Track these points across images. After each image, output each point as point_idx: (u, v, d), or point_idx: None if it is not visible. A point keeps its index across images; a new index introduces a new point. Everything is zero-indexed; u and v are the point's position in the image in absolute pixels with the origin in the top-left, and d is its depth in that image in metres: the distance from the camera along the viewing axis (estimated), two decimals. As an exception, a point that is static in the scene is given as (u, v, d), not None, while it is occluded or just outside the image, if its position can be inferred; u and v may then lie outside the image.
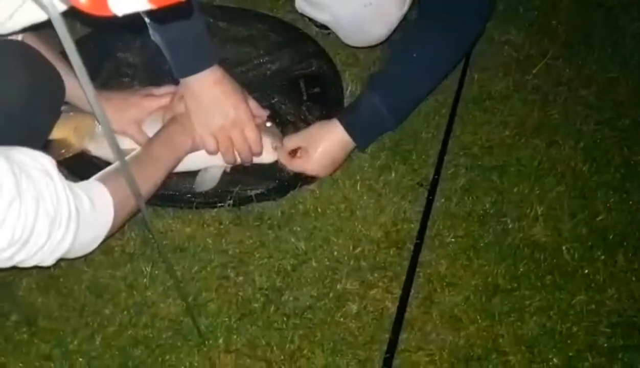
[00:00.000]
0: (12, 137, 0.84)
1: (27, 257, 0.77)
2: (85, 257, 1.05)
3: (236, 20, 1.37)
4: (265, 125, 1.16)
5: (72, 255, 0.87)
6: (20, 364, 0.97)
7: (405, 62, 1.14)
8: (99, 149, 1.13)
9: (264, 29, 1.36)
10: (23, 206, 0.72)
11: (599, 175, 1.23)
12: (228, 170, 1.17)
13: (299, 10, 1.32)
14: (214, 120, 1.08)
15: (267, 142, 1.15)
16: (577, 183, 1.22)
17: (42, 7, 0.47)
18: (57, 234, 0.78)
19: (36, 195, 0.74)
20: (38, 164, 0.77)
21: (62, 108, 1.05)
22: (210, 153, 1.10)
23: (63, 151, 1.10)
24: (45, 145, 1.06)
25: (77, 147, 1.12)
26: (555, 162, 1.25)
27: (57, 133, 1.09)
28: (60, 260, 0.84)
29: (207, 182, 1.15)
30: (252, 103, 1.14)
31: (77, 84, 1.02)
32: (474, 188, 1.20)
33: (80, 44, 1.32)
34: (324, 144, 1.13)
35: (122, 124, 1.10)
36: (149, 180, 1.01)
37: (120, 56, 1.31)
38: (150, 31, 1.03)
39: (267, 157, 1.16)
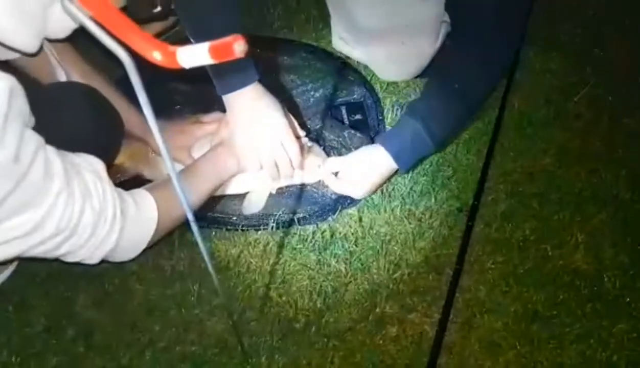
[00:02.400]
0: None
1: (73, 250, 0.84)
2: (137, 275, 1.12)
3: (282, 50, 1.43)
4: (307, 146, 1.20)
5: (117, 257, 0.93)
6: (77, 377, 1.03)
7: (442, 90, 1.16)
8: (152, 172, 1.19)
9: (308, 58, 1.41)
10: (71, 198, 0.78)
11: (641, 203, 1.23)
12: (274, 191, 1.21)
13: (335, 48, 1.36)
14: (255, 135, 1.11)
15: (311, 161, 1.19)
16: (619, 211, 1.22)
17: (116, 53, 0.52)
18: (102, 230, 0.84)
19: (84, 191, 0.80)
20: (89, 166, 0.84)
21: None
22: (254, 169, 1.14)
23: (119, 175, 1.17)
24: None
25: (133, 172, 1.19)
26: (597, 189, 1.25)
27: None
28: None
29: (254, 204, 1.20)
30: (292, 121, 1.17)
31: (133, 114, 1.11)
32: (514, 215, 1.21)
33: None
34: (366, 166, 1.16)
35: (172, 150, 1.16)
36: (191, 197, 1.05)
37: (171, 85, 1.38)
38: None
39: (311, 176, 1.20)
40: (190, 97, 1.36)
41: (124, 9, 0.97)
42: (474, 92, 1.18)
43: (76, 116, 0.92)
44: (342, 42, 1.35)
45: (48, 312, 1.09)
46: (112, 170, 1.17)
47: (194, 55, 0.52)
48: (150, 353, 1.05)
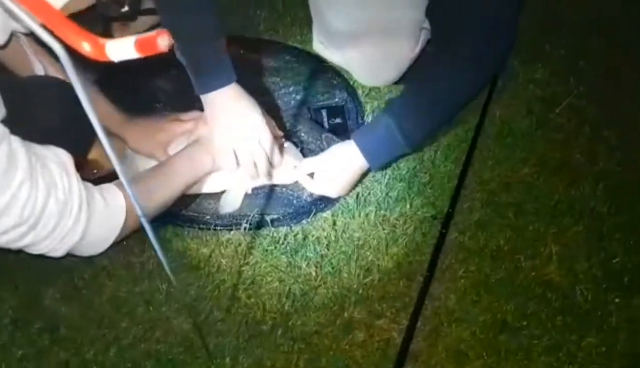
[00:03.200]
0: None
1: (37, 241, 0.84)
2: (107, 271, 1.12)
3: (266, 51, 1.44)
4: (284, 146, 1.20)
5: (84, 251, 0.93)
6: (41, 370, 1.02)
7: (420, 90, 1.16)
8: (128, 169, 1.19)
9: (292, 61, 1.42)
10: (34, 188, 0.79)
11: (618, 216, 1.22)
12: (249, 191, 1.21)
13: (315, 50, 1.36)
14: (232, 134, 1.12)
15: (287, 161, 1.19)
16: (595, 224, 1.21)
17: (51, 46, 0.53)
18: (67, 222, 0.84)
19: (49, 182, 0.81)
20: (56, 158, 0.84)
21: None
22: (230, 168, 1.14)
23: (95, 171, 1.17)
24: (78, 166, 1.14)
25: (108, 167, 1.19)
26: (574, 201, 1.24)
27: (89, 154, 1.16)
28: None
29: (230, 203, 1.20)
30: (269, 121, 1.17)
31: (110, 110, 1.12)
32: (488, 224, 1.20)
33: (120, 70, 1.42)
34: (339, 163, 1.17)
35: (150, 147, 1.17)
36: (164, 192, 1.06)
37: (156, 83, 1.38)
38: (176, 51, 1.08)
39: (287, 177, 1.20)
40: (172, 95, 1.36)
41: (92, 7, 0.97)
42: (453, 95, 1.18)
43: (48, 109, 0.92)
44: (322, 46, 1.35)
45: (16, 304, 1.09)
46: (88, 166, 1.17)
47: (122, 48, 0.53)
48: (115, 349, 1.04)
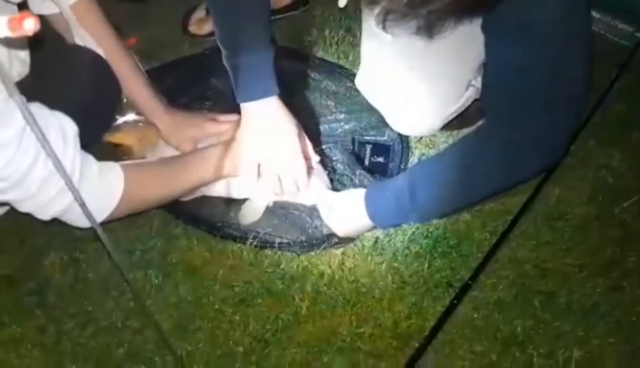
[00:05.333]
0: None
1: (19, 199, 0.84)
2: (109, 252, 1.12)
3: (330, 74, 1.41)
4: (312, 167, 1.16)
5: (72, 221, 0.92)
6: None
7: (450, 164, 1.07)
8: (155, 157, 1.20)
9: (352, 89, 1.37)
10: (21, 152, 0.78)
11: (661, 338, 1.07)
12: (271, 204, 1.18)
13: (357, 87, 1.31)
14: (263, 147, 1.09)
15: (313, 182, 1.15)
16: (632, 337, 1.07)
17: None
18: (52, 189, 0.84)
19: (40, 148, 0.80)
20: (58, 124, 0.84)
21: (133, 118, 1.17)
22: (250, 177, 1.11)
23: (125, 157, 1.19)
24: (112, 150, 1.18)
25: (139, 155, 1.21)
26: (614, 308, 1.10)
27: (124, 139, 1.19)
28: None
29: (251, 214, 1.17)
30: (306, 142, 1.14)
31: (146, 95, 1.13)
32: (509, 307, 1.09)
33: (183, 62, 1.44)
34: (348, 209, 1.12)
35: (179, 140, 1.17)
36: (168, 183, 1.05)
37: (212, 82, 1.39)
38: (223, 54, 1.08)
39: (309, 197, 1.16)
40: (225, 97, 1.35)
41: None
42: (480, 184, 1.08)
43: (73, 78, 0.94)
44: (363, 86, 1.30)
45: (17, 262, 1.12)
46: (120, 151, 1.20)
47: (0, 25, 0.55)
48: (92, 328, 1.05)
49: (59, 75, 0.93)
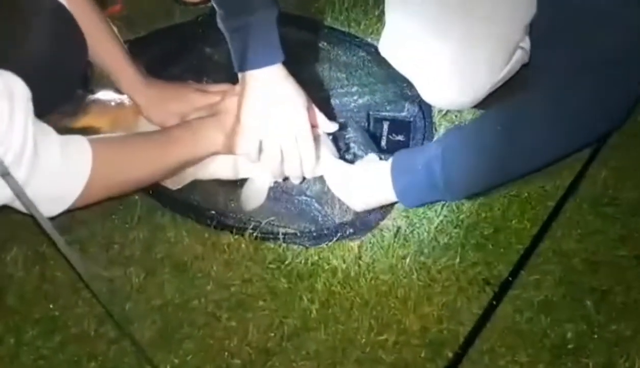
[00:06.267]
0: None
1: None
2: (81, 245, 0.97)
3: (340, 43, 1.25)
4: (319, 136, 1.03)
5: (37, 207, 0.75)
6: None
7: (491, 132, 0.95)
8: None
9: (366, 59, 1.22)
10: None
11: None
12: (272, 184, 1.04)
13: (382, 54, 1.17)
14: (267, 123, 0.97)
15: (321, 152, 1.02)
16: None
17: None
18: None
19: None
20: (5, 88, 0.68)
21: (107, 97, 1.04)
22: (248, 155, 0.98)
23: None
24: (79, 131, 1.02)
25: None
26: (680, 305, 0.95)
27: (92, 123, 1.04)
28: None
29: (255, 197, 1.03)
30: (314, 112, 1.02)
31: (126, 65, 0.98)
32: (557, 309, 0.94)
33: (175, 30, 1.29)
34: (366, 183, 1.00)
35: (162, 116, 1.03)
36: (149, 162, 0.92)
37: (207, 51, 1.23)
38: (217, 17, 0.96)
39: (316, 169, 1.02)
40: (224, 69, 1.19)
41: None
42: (534, 150, 0.97)
43: (24, 30, 0.78)
44: (390, 52, 1.16)
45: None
46: (88, 132, 1.03)
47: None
48: (59, 337, 0.89)
49: (6, 26, 0.77)
